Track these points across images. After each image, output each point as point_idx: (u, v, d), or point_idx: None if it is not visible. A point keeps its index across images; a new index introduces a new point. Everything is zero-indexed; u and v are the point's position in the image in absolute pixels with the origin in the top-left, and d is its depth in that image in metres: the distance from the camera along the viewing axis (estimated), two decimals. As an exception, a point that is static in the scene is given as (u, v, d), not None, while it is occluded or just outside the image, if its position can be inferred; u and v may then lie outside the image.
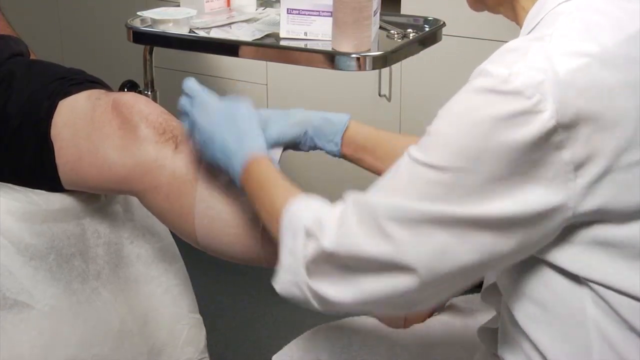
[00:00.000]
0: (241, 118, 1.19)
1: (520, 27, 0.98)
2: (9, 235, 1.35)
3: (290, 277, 0.99)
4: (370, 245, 0.91)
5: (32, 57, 1.67)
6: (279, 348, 1.31)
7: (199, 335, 1.65)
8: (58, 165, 1.39)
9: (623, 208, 0.86)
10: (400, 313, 0.98)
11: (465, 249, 0.88)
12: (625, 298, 0.88)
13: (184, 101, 1.27)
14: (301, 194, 1.05)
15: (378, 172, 1.26)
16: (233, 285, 2.46)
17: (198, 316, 1.65)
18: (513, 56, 0.86)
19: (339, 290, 0.95)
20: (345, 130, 1.27)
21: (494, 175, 0.85)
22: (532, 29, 0.93)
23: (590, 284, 0.89)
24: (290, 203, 1.03)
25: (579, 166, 0.84)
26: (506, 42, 0.92)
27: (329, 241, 0.94)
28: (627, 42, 0.86)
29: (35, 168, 1.41)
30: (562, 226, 0.87)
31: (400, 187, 0.91)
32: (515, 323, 0.96)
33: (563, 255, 0.90)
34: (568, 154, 0.84)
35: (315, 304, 0.98)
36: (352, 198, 0.95)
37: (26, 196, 1.40)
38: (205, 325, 1.68)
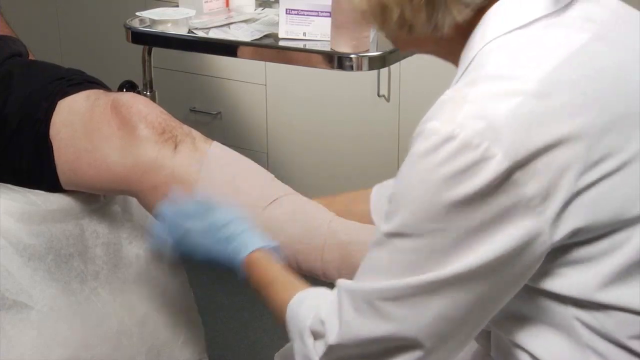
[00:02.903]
0: (224, 227, 1.22)
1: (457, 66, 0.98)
2: (8, 236, 1.35)
3: None
4: (371, 329, 0.92)
5: (31, 57, 1.67)
6: (278, 348, 1.31)
7: (198, 335, 1.65)
8: (57, 165, 1.39)
9: (594, 226, 0.86)
10: None
11: (461, 306, 0.89)
12: (609, 312, 0.89)
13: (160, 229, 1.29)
14: (295, 292, 1.08)
15: None
16: (233, 285, 2.45)
17: (197, 316, 1.65)
18: (451, 107, 0.86)
19: None
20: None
21: (466, 229, 0.86)
22: (465, 69, 0.92)
23: (573, 301, 0.90)
24: (288, 307, 1.05)
25: (545, 197, 0.84)
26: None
27: (334, 336, 0.96)
28: (561, 67, 0.86)
29: (34, 168, 1.41)
30: (544, 255, 0.88)
31: (384, 266, 0.92)
32: (507, 333, 0.97)
33: (542, 278, 0.91)
34: (531, 189, 0.83)
35: None
36: (343, 288, 0.96)
37: (24, 196, 1.40)
38: (204, 326, 1.68)
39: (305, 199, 1.39)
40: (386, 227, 0.91)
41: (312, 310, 1.02)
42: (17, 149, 1.41)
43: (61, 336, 1.40)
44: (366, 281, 0.93)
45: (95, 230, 1.49)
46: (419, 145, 0.86)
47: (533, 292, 0.93)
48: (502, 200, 0.84)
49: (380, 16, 0.94)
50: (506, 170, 0.82)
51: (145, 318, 1.55)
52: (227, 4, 1.99)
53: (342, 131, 2.57)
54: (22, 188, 1.42)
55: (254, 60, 1.98)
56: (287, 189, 1.39)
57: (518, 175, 0.83)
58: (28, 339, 1.36)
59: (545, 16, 0.90)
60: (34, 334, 1.37)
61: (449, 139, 0.83)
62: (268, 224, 1.34)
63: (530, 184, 0.83)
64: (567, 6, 0.92)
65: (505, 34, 0.90)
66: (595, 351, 0.90)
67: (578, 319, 0.90)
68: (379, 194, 1.40)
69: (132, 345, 1.52)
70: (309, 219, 1.35)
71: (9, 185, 1.42)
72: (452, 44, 0.96)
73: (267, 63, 2.55)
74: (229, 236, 1.21)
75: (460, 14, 0.92)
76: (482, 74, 0.86)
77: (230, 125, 2.80)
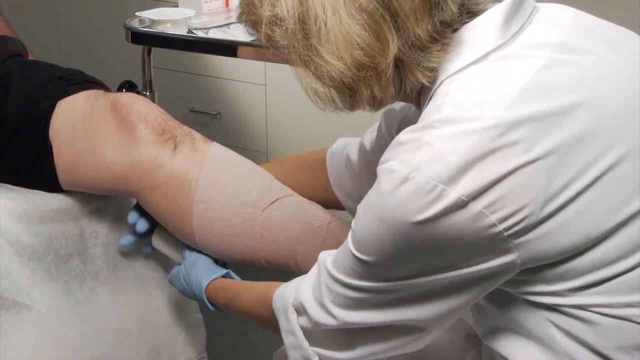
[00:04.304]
0: (191, 271, 1.36)
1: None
2: (7, 236, 1.35)
3: (297, 353, 1.06)
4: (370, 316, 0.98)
5: (30, 58, 1.67)
6: (277, 348, 1.31)
7: (199, 335, 1.65)
8: (56, 166, 1.39)
9: (558, 250, 0.87)
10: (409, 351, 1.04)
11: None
12: (579, 314, 0.90)
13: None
14: (268, 285, 1.16)
15: None
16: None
17: (199, 316, 1.65)
18: (408, 149, 0.86)
19: (342, 352, 1.03)
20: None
21: (435, 265, 0.89)
22: (425, 108, 0.93)
23: (545, 307, 0.92)
24: (275, 293, 1.11)
25: (507, 227, 0.84)
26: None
27: (317, 315, 1.01)
28: (513, 103, 0.85)
29: (34, 168, 1.40)
30: (514, 273, 0.90)
31: (358, 272, 0.96)
32: (491, 343, 0.99)
33: (517, 285, 0.92)
34: (492, 218, 0.84)
35: None
36: (324, 272, 1.00)
37: (24, 196, 1.40)
38: (204, 325, 1.68)
39: (304, 199, 1.39)
40: (353, 249, 0.93)
41: (294, 289, 1.06)
42: (17, 149, 1.41)
43: (61, 336, 1.40)
44: (343, 276, 0.97)
45: (95, 230, 1.49)
46: (380, 184, 0.88)
47: (510, 299, 0.94)
48: (463, 230, 0.85)
49: (350, 99, 0.95)
50: (462, 202, 0.83)
51: (145, 318, 1.55)
52: (227, 4, 1.99)
53: (342, 131, 2.57)
54: (21, 188, 1.42)
55: (254, 61, 1.98)
56: (286, 190, 1.39)
57: (475, 207, 0.83)
58: (28, 339, 1.36)
59: (495, 49, 0.90)
60: (34, 334, 1.37)
61: (405, 180, 0.85)
62: (267, 225, 1.34)
63: (491, 214, 0.84)
64: (516, 34, 0.91)
65: (458, 71, 0.90)
66: (572, 357, 0.91)
67: (553, 324, 0.92)
68: (335, 168, 1.42)
69: (132, 345, 1.52)
70: (308, 220, 1.35)
71: (8, 185, 1.42)
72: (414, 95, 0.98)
73: (267, 63, 2.55)
74: (187, 281, 1.34)
75: (428, 78, 0.92)
76: (437, 118, 0.87)
77: (229, 125, 2.80)
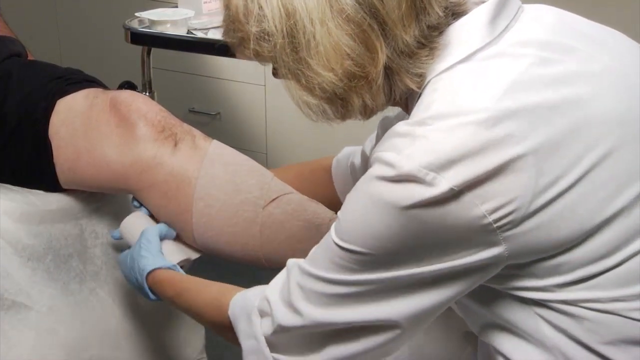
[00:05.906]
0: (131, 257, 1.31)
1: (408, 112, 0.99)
2: (7, 236, 1.35)
3: (255, 358, 1.04)
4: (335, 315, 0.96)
5: (30, 58, 1.67)
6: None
7: (198, 335, 1.65)
8: (56, 165, 1.39)
9: (546, 245, 0.87)
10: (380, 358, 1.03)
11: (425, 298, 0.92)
12: (568, 309, 0.90)
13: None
14: (222, 287, 1.16)
15: None
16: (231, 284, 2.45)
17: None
18: (402, 141, 0.87)
19: (305, 356, 1.01)
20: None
21: (421, 255, 0.88)
22: (414, 105, 0.93)
23: (534, 303, 0.92)
24: (234, 297, 1.09)
25: (497, 219, 0.85)
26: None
27: (282, 316, 0.99)
28: (503, 98, 0.86)
29: (34, 168, 1.40)
30: (500, 268, 0.90)
31: (326, 263, 0.95)
32: (484, 338, 0.99)
33: (506, 280, 0.92)
34: (482, 210, 0.84)
35: None
36: (296, 271, 0.99)
37: (23, 196, 1.40)
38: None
39: (304, 197, 1.39)
40: (337, 239, 0.92)
41: (259, 292, 1.05)
42: (16, 148, 1.41)
43: (60, 336, 1.40)
44: (321, 271, 0.95)
45: (94, 230, 1.49)
46: (372, 171, 0.88)
47: (498, 296, 0.94)
48: (452, 220, 0.85)
49: (342, 109, 0.95)
50: (452, 191, 0.83)
51: (144, 318, 1.55)
52: (226, 5, 1.99)
53: (340, 132, 2.57)
54: (21, 188, 1.42)
55: (253, 61, 1.98)
56: (286, 187, 1.39)
57: (467, 197, 0.84)
58: (27, 340, 1.36)
59: (482, 47, 0.90)
60: (33, 335, 1.37)
61: (397, 169, 0.85)
62: (267, 223, 1.34)
63: (481, 205, 0.84)
64: (503, 32, 0.92)
65: (446, 69, 0.91)
66: (564, 355, 0.91)
67: (545, 320, 0.92)
68: (341, 176, 1.42)
69: (131, 345, 1.52)
70: (308, 218, 1.35)
71: (8, 186, 1.42)
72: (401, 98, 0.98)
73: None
74: (131, 266, 1.29)
75: (417, 84, 0.93)
76: (428, 115, 0.87)
77: (229, 126, 2.80)
